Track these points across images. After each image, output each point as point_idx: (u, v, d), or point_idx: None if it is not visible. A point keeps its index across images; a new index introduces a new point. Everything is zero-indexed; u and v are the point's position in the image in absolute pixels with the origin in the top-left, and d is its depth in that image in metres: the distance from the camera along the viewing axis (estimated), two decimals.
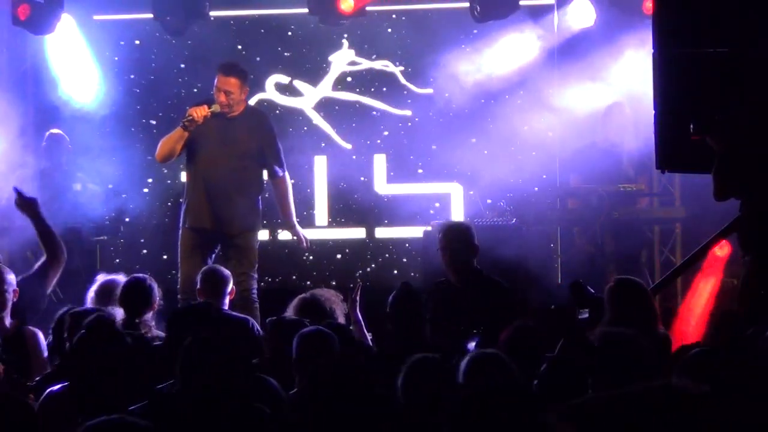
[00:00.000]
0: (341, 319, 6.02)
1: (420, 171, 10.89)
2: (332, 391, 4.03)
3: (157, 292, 6.55)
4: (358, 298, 6.71)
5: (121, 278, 6.85)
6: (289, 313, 6.08)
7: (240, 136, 8.31)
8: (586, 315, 5.85)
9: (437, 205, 10.83)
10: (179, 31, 10.40)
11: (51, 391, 4.73)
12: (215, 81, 8.38)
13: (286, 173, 8.66)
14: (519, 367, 4.63)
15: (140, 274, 6.77)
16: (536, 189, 9.92)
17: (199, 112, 8.13)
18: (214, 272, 7.04)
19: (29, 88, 10.77)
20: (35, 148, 9.93)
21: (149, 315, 6.43)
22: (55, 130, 9.81)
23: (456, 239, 6.90)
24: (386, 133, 10.92)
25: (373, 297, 7.91)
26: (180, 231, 8.44)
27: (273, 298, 8.55)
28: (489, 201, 9.66)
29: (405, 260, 10.82)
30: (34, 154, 9.77)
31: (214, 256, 8.40)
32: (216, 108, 8.20)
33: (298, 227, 8.72)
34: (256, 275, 8.34)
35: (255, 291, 8.27)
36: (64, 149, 9.68)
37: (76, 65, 10.39)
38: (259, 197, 8.53)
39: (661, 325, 5.78)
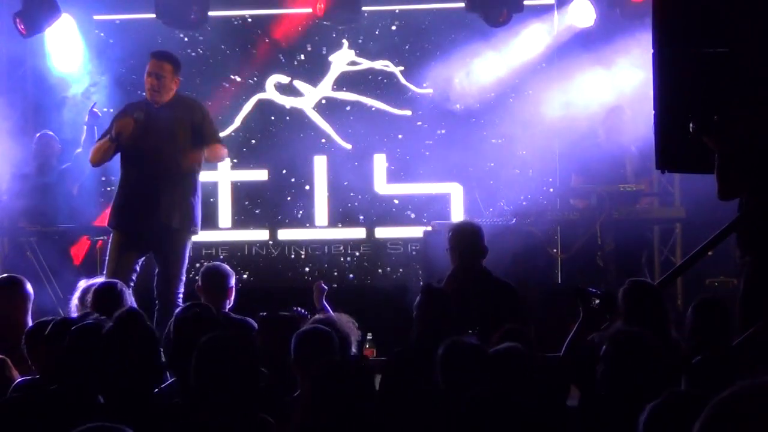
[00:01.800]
0: (354, 346, 5.93)
1: (420, 171, 10.89)
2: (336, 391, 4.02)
3: (129, 297, 6.52)
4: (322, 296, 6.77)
5: (99, 281, 6.82)
6: None
7: (165, 126, 7.87)
8: (597, 303, 5.87)
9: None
10: (185, 28, 10.41)
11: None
12: (147, 67, 8.01)
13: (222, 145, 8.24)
14: (511, 370, 4.67)
15: (111, 280, 6.79)
16: (536, 188, 9.93)
17: (127, 128, 7.80)
18: (216, 270, 7.02)
19: (29, 88, 10.76)
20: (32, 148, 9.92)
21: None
22: (45, 131, 9.81)
23: (466, 240, 6.87)
24: (386, 133, 10.92)
25: (373, 297, 7.94)
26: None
27: (272, 297, 8.56)
28: (502, 203, 9.64)
29: (405, 260, 10.83)
30: (29, 155, 9.76)
31: (143, 257, 7.94)
32: (140, 116, 7.82)
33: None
34: (182, 278, 7.87)
35: (179, 294, 7.80)
36: (54, 151, 9.68)
37: (75, 65, 10.39)
38: (193, 197, 8.00)
39: (674, 329, 5.74)
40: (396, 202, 10.93)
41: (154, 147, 7.85)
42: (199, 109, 8.17)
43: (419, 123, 10.89)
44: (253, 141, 11.04)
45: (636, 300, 5.63)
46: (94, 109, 9.24)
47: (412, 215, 10.81)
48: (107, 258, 7.94)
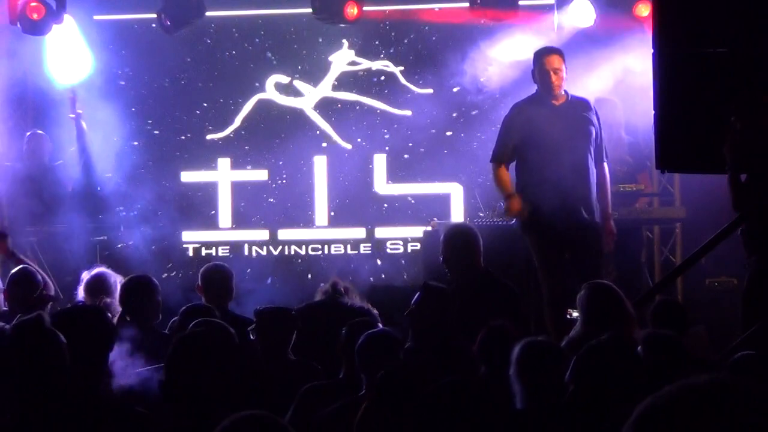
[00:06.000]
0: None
1: (420, 171, 10.89)
2: None
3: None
4: None
5: (103, 270, 6.98)
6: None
7: (571, 123, 7.79)
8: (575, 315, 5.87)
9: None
10: (180, 27, 10.42)
11: None
12: (546, 64, 8.07)
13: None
14: (493, 366, 4.69)
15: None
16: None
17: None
18: (216, 270, 7.00)
19: (28, 89, 10.75)
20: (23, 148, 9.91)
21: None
22: (35, 130, 9.82)
23: (459, 247, 6.85)
24: (386, 133, 10.93)
25: (373, 297, 7.91)
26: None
27: (272, 297, 8.57)
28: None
29: (405, 260, 10.83)
30: (21, 156, 9.76)
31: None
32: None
33: (609, 222, 7.76)
34: None
35: None
36: (46, 149, 9.68)
37: (75, 66, 10.37)
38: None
39: (637, 329, 5.68)
40: (396, 202, 10.93)
41: (569, 140, 7.70)
42: (597, 116, 7.97)
43: (419, 123, 10.88)
44: (254, 141, 11.04)
45: (595, 303, 5.55)
46: (76, 105, 9.33)
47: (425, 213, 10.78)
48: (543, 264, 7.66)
